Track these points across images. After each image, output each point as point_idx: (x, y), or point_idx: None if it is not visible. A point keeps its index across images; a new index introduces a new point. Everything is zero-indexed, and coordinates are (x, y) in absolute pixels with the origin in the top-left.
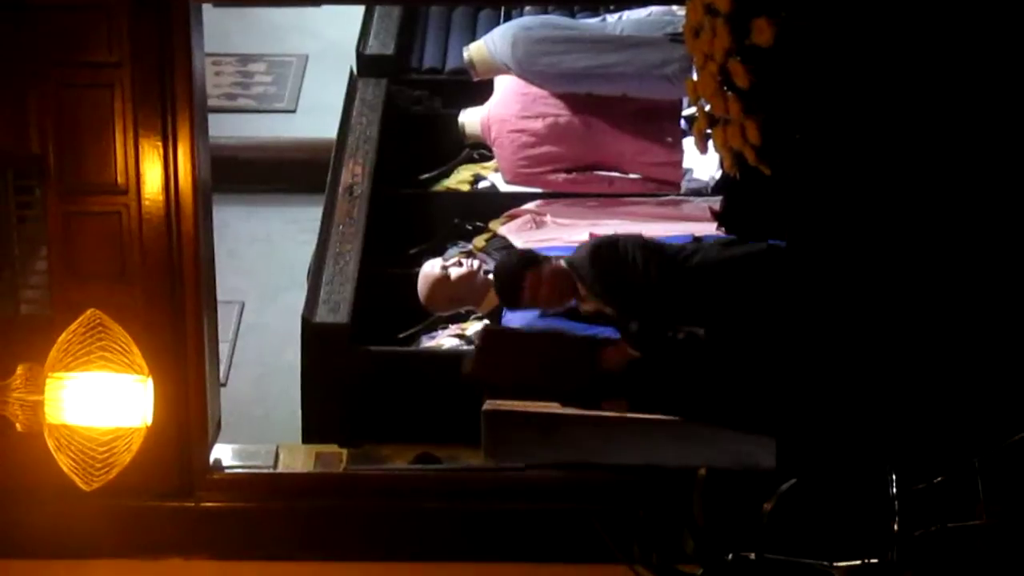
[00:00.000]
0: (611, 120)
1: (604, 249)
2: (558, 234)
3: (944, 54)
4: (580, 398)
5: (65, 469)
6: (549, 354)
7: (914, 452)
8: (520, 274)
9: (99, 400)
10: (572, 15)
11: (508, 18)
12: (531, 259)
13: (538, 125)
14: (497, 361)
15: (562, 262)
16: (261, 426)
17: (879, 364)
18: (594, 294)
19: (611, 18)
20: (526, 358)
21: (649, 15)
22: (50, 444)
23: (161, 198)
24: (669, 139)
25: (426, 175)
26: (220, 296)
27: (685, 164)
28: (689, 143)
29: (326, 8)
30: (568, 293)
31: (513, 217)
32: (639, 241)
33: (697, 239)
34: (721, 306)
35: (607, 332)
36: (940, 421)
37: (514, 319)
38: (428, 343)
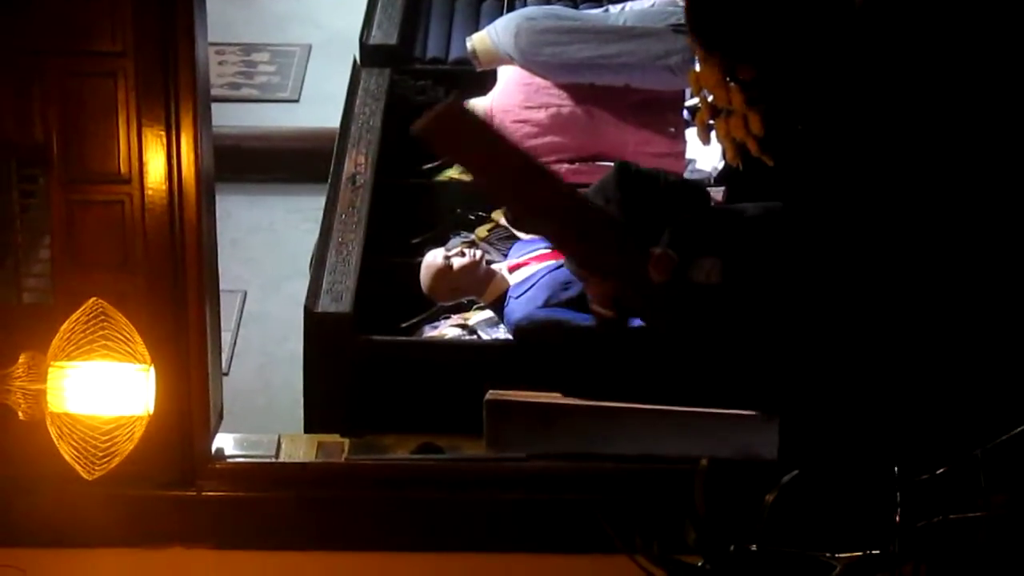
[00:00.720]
0: (614, 110)
1: (632, 168)
2: None
3: (946, 47)
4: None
5: (67, 458)
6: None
7: (916, 443)
8: None
9: (101, 389)
10: (575, 5)
11: (511, 8)
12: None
13: (541, 115)
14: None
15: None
16: (263, 415)
17: (881, 355)
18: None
19: (614, 8)
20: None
21: (652, 5)
22: (52, 433)
23: (164, 187)
24: (672, 130)
25: (429, 165)
26: (223, 285)
27: (688, 155)
28: (692, 134)
29: None
30: None
31: None
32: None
33: None
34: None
35: None
36: (942, 412)
37: (517, 309)
38: (431, 333)
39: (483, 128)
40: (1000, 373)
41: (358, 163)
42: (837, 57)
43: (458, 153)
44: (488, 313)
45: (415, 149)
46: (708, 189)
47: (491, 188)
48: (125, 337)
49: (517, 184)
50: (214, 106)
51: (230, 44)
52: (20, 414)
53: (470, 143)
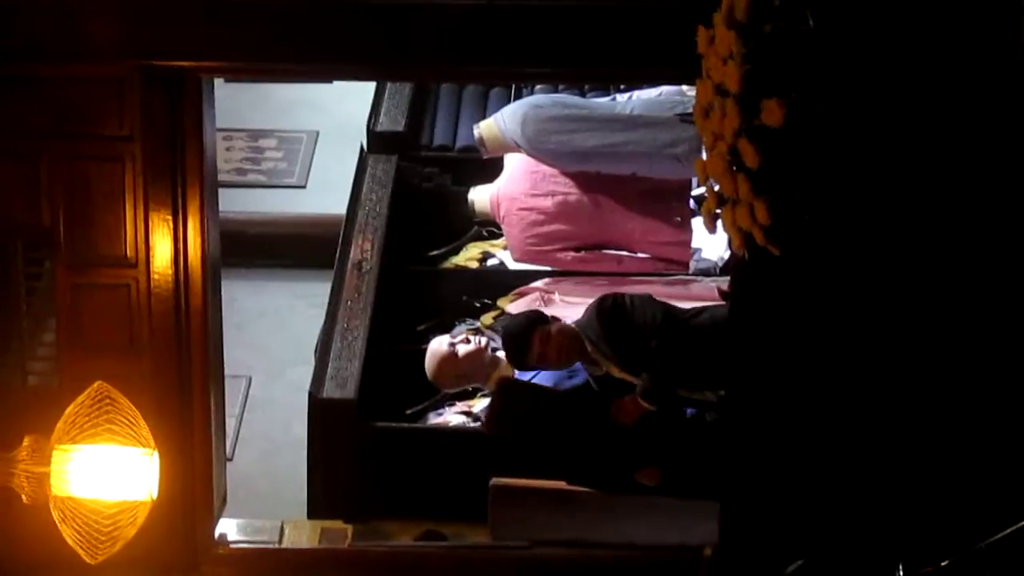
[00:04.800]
0: (620, 199)
1: (610, 303)
2: (567, 312)
3: (954, 136)
4: (602, 458)
5: (70, 541)
6: (564, 404)
7: (921, 536)
8: (528, 333)
9: (105, 473)
10: (583, 94)
11: (519, 96)
12: (539, 318)
13: (547, 203)
14: (513, 413)
15: (571, 323)
16: (267, 501)
17: (886, 447)
18: (602, 353)
19: (621, 97)
20: (541, 409)
21: (659, 95)
22: (55, 516)
23: (170, 272)
24: (678, 219)
25: (435, 252)
26: (227, 370)
27: (694, 244)
28: (698, 223)
29: (337, 85)
30: (575, 353)
31: (522, 295)
32: (645, 297)
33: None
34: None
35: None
36: (947, 505)
37: None
38: (435, 420)
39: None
40: (1002, 467)
41: (364, 249)
42: (845, 146)
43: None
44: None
45: (421, 236)
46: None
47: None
48: (129, 421)
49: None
50: (221, 191)
51: (237, 130)
52: (24, 497)
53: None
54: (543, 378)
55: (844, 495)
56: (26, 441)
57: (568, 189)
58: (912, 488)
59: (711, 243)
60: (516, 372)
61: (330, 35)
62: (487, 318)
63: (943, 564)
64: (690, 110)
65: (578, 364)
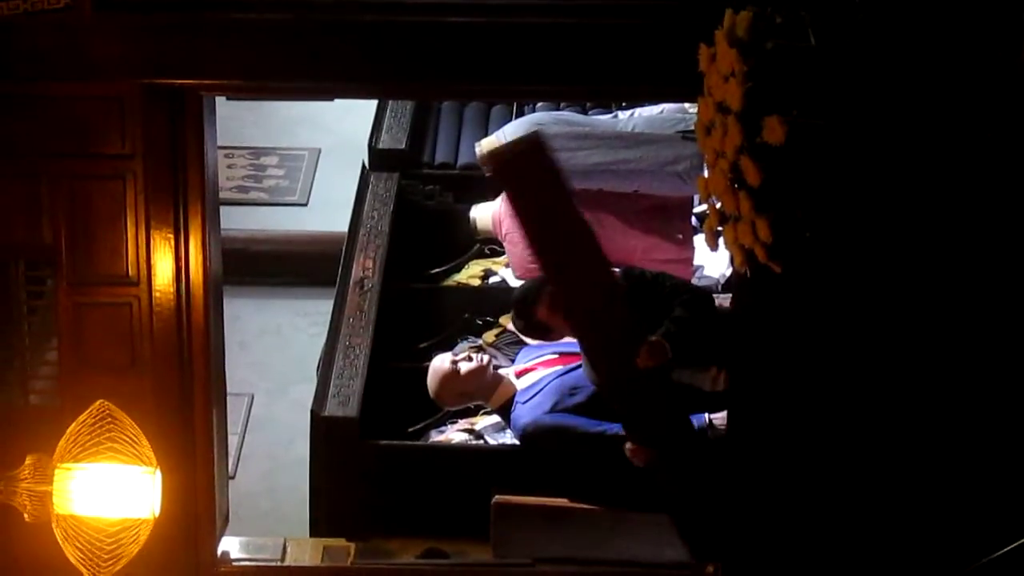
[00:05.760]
0: (622, 216)
1: (628, 270)
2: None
3: (958, 153)
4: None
5: (72, 560)
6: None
7: (927, 554)
8: (535, 299)
9: (107, 491)
10: (585, 111)
11: (520, 114)
12: (547, 286)
13: None
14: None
15: None
16: (269, 519)
17: (892, 466)
18: None
19: (623, 115)
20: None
21: (661, 112)
22: (58, 535)
23: (172, 290)
24: (680, 236)
25: (437, 269)
26: (229, 388)
27: (696, 261)
28: (700, 240)
29: (338, 102)
30: None
31: None
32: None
33: None
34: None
35: (617, 428)
36: (955, 526)
37: (524, 414)
38: (437, 438)
39: (556, 177)
40: (1011, 484)
41: (366, 267)
42: (847, 164)
43: (520, 191)
44: (495, 418)
45: (423, 254)
46: (715, 295)
47: (537, 242)
48: (131, 439)
49: (565, 247)
50: (222, 209)
51: (239, 147)
52: (26, 516)
53: (536, 186)
54: (546, 393)
55: (850, 514)
56: (28, 460)
57: None
58: (918, 508)
59: (713, 260)
60: (516, 382)
61: (331, 53)
62: (489, 336)
63: None
64: (692, 127)
65: (580, 381)
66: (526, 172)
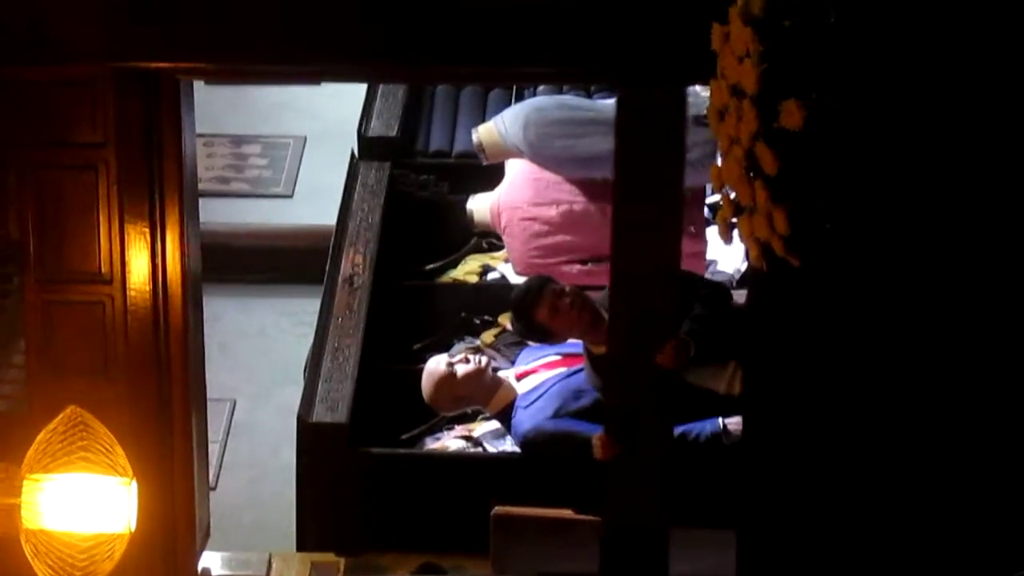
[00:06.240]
0: None
1: None
2: None
3: (985, 139)
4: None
5: None
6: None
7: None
8: (537, 298)
9: (80, 504)
10: (588, 95)
11: (520, 98)
12: (550, 284)
13: (551, 213)
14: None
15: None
16: (253, 532)
17: (914, 472)
18: None
19: None
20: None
21: None
22: (27, 551)
23: (148, 288)
24: (692, 228)
25: (431, 265)
26: (210, 393)
27: (709, 255)
28: (713, 233)
29: (326, 87)
30: (585, 325)
31: None
32: None
33: None
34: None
35: None
36: (975, 537)
37: (525, 420)
38: (432, 445)
39: None
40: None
41: (355, 263)
42: (868, 150)
43: None
44: (494, 424)
45: (416, 248)
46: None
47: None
48: (105, 448)
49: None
50: (202, 201)
51: (219, 135)
52: None
53: None
54: (549, 397)
55: (868, 524)
56: None
57: (573, 197)
58: (940, 517)
59: (727, 254)
60: (517, 385)
61: (318, 33)
62: (488, 336)
63: None
64: (704, 112)
65: (583, 384)
66: None
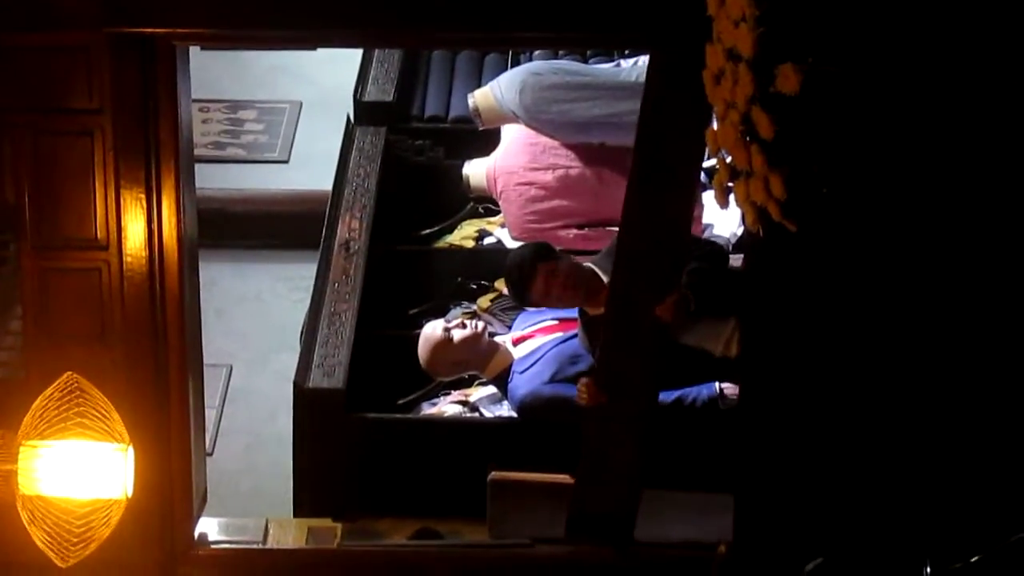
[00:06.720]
0: (625, 172)
1: None
2: None
3: (984, 103)
4: None
5: (39, 544)
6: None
7: (949, 529)
8: (533, 266)
9: (76, 470)
10: (584, 60)
11: (516, 63)
12: (548, 249)
13: (548, 177)
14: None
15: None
16: (249, 498)
17: (911, 436)
18: None
19: (626, 63)
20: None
21: None
22: (23, 517)
23: (144, 254)
24: None
25: (428, 230)
26: (206, 359)
27: (704, 220)
28: (709, 197)
29: (321, 52)
30: (581, 292)
31: None
32: None
33: None
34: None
35: None
36: (976, 498)
37: (521, 384)
38: (429, 410)
39: None
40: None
41: (352, 228)
42: (866, 114)
43: None
44: (491, 389)
45: (412, 213)
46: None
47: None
48: (102, 415)
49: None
50: (198, 167)
51: (215, 101)
52: None
53: None
54: (545, 362)
55: (866, 487)
56: None
57: (570, 162)
58: (939, 479)
59: (723, 219)
60: (513, 350)
61: None
62: (484, 301)
63: (973, 560)
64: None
65: (580, 349)
66: None
